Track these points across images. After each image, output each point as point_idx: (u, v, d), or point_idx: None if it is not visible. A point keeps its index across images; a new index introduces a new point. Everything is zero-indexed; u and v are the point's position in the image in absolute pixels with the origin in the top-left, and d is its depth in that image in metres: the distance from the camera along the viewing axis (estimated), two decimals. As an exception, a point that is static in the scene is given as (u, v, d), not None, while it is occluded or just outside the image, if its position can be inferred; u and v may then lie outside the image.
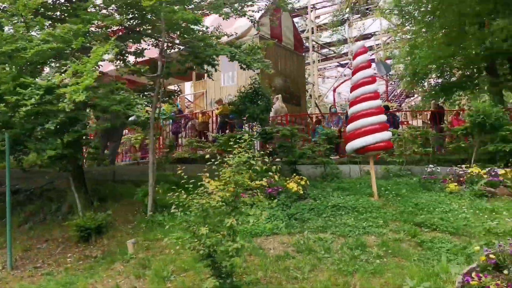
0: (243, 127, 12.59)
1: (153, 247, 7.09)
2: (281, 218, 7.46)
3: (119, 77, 9.81)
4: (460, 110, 22.54)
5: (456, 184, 8.46)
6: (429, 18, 20.03)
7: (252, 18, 10.42)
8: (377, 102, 8.29)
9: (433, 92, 23.54)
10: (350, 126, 8.38)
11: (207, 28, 9.60)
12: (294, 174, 9.45)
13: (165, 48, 8.69)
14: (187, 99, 24.26)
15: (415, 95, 32.30)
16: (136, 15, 9.35)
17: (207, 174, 5.12)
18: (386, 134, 8.12)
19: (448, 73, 24.52)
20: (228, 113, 15.42)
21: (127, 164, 14.92)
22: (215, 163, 5.08)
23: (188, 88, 25.22)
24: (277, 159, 10.61)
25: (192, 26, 8.69)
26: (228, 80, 16.88)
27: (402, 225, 6.83)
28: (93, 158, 9.85)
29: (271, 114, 12.11)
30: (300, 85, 19.46)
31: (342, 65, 36.46)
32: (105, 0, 8.62)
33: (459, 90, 24.60)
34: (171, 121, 16.34)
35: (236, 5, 10.25)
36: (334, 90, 29.41)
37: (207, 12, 9.87)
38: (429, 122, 18.40)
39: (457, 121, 17.03)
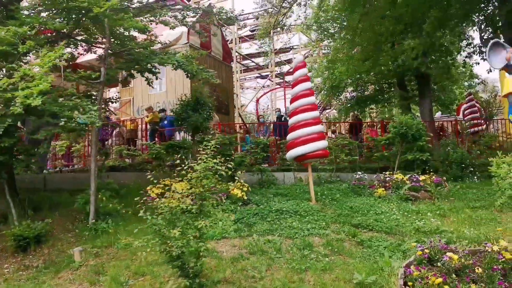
0: (179, 134, 12.75)
1: (102, 254, 7.04)
2: (228, 223, 7.74)
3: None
4: (374, 122, 24.30)
5: (383, 189, 9.28)
6: (347, 36, 21.49)
7: (187, 26, 10.65)
8: (315, 113, 8.91)
9: (349, 105, 25.16)
10: (290, 136, 8.90)
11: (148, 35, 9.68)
12: (235, 181, 9.78)
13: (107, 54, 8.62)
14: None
15: (331, 108, 34.10)
16: (73, 19, 9.19)
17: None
18: (323, 143, 8.74)
19: (362, 87, 26.38)
20: (158, 121, 15.44)
21: (50, 172, 14.35)
22: (185, 168, 5.26)
23: (113, 94, 24.67)
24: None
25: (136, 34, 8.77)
26: (156, 88, 16.84)
27: (341, 226, 7.42)
28: (26, 165, 9.44)
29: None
30: (228, 94, 19.91)
31: (263, 77, 37.45)
32: (46, 3, 8.42)
33: (372, 103, 26.52)
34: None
35: (172, 13, 10.46)
36: (257, 101, 30.26)
37: (144, 19, 9.95)
38: (345, 133, 19.59)
39: (372, 132, 18.43)
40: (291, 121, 8.95)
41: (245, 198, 8.69)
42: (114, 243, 7.29)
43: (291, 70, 37.40)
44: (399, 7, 16.51)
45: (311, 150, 8.56)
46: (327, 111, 35.39)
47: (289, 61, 37.97)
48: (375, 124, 22.47)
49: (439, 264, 5.01)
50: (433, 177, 9.55)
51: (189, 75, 9.24)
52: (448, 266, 4.71)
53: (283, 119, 18.81)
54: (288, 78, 38.27)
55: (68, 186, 10.78)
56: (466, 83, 27.61)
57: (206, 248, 4.88)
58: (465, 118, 18.98)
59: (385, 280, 5.33)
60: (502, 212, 7.85)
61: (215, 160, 5.10)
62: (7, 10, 8.71)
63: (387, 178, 9.71)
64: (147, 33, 8.82)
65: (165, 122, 14.94)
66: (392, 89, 25.24)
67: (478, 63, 21.47)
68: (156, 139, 14.41)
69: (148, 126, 15.65)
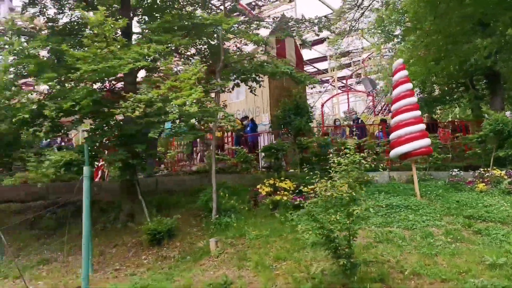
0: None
1: (236, 244, 7.85)
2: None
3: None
4: (447, 122, 24.11)
5: (484, 184, 9.59)
6: (416, 38, 21.60)
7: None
8: (417, 113, 9.39)
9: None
10: (394, 134, 9.42)
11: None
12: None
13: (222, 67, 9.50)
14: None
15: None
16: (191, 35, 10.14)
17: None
18: (426, 141, 9.20)
19: (430, 88, 26.33)
20: (241, 128, 16.31)
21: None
22: (332, 169, 5.94)
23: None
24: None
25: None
26: (237, 97, 17.73)
27: (455, 218, 7.86)
28: (143, 168, 10.53)
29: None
30: (302, 99, 20.61)
31: (323, 81, 37.86)
32: (171, 22, 9.39)
33: (439, 104, 26.37)
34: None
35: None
36: (322, 105, 30.74)
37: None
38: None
39: (444, 132, 18.59)
40: (393, 120, 9.49)
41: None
42: (245, 235, 8.08)
43: (351, 73, 37.73)
44: (471, 7, 16.70)
45: (416, 147, 9.05)
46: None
47: (348, 65, 38.17)
48: (446, 125, 22.37)
49: None
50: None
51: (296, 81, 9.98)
52: None
53: (359, 121, 19.29)
54: (350, 81, 38.61)
55: (176, 188, 11.75)
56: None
57: (357, 232, 5.54)
58: None
59: (513, 260, 5.80)
60: None
61: (362, 154, 5.75)
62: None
63: (486, 174, 9.99)
64: (261, 45, 9.63)
65: (248, 128, 15.77)
66: (460, 89, 25.10)
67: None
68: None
69: (234, 134, 16.53)
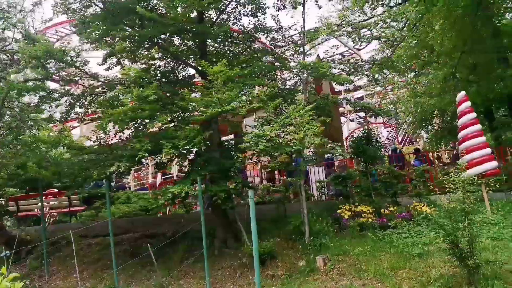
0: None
1: (344, 259, 8.82)
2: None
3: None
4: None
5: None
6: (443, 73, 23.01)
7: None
8: (484, 138, 10.53)
9: (439, 136, 26.53)
10: (467, 157, 10.50)
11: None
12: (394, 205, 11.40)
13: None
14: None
15: (417, 140, 35.16)
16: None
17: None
18: (495, 163, 10.30)
19: (448, 118, 27.69)
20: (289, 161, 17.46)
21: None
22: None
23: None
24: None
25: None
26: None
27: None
28: (242, 198, 11.77)
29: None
30: (339, 130, 21.85)
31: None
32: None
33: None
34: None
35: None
36: (348, 136, 31.98)
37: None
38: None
39: None
40: (463, 145, 10.61)
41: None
42: (348, 252, 9.07)
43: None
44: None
45: (488, 168, 10.13)
46: (413, 143, 36.33)
47: (360, 98, 39.44)
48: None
49: None
50: None
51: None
52: None
53: (398, 151, 20.43)
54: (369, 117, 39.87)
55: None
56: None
57: (478, 236, 6.57)
58: None
59: None
60: None
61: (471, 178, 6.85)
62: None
63: None
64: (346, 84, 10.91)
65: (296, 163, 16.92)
66: (480, 116, 26.37)
67: None
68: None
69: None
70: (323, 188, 15.24)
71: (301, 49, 11.89)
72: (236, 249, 11.05)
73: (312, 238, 10.11)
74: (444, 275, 7.05)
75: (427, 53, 22.64)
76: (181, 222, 12.95)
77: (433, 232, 7.84)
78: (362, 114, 39.02)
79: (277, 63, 11.84)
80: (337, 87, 36.37)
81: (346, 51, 33.68)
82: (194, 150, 10.85)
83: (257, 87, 11.67)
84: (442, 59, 22.27)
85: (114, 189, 17.01)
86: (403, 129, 34.35)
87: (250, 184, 12.87)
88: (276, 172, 18.34)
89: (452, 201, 6.77)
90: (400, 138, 34.76)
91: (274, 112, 9.23)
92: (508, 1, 20.30)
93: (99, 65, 12.60)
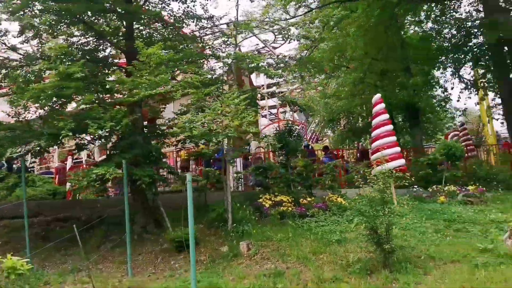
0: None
1: (267, 245, 9.18)
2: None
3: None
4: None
5: (444, 197, 11.86)
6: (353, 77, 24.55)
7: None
8: (394, 138, 11.51)
9: (344, 136, 28.32)
10: (375, 156, 11.41)
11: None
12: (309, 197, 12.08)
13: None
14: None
15: (323, 139, 37.04)
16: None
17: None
18: (402, 161, 11.31)
19: (353, 120, 29.66)
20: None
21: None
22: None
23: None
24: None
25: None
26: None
27: (436, 221, 9.87)
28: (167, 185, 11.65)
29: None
30: (257, 124, 22.40)
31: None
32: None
33: (365, 134, 29.64)
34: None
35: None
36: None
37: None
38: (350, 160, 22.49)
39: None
40: (375, 144, 11.51)
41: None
42: (271, 238, 9.44)
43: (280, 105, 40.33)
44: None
45: (396, 166, 11.10)
46: (320, 142, 38.06)
47: (273, 95, 40.45)
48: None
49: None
50: (479, 187, 12.27)
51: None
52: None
53: (309, 147, 21.38)
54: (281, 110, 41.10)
55: (172, 204, 12.72)
56: (449, 115, 31.29)
57: (394, 223, 7.26)
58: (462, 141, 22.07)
59: (498, 244, 7.84)
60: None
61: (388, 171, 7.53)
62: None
63: (444, 190, 12.29)
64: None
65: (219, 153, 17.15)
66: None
67: (470, 97, 25.12)
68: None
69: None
70: (240, 179, 15.64)
71: (231, 40, 12.03)
72: (157, 235, 10.99)
73: (235, 225, 10.37)
74: (361, 259, 7.68)
75: (338, 57, 23.96)
76: (95, 207, 12.55)
77: (356, 218, 8.49)
78: (274, 110, 40.25)
79: (207, 52, 11.91)
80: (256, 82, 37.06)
81: (262, 48, 34.46)
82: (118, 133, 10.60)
83: (183, 74, 11.67)
84: (353, 63, 23.75)
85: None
86: (312, 128, 35.95)
87: (174, 171, 12.80)
88: (191, 161, 18.43)
89: (373, 191, 7.38)
90: (308, 136, 36.27)
91: (204, 100, 9.29)
92: (410, 15, 22.26)
93: (15, 37, 11.77)
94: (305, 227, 10.00)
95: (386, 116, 11.65)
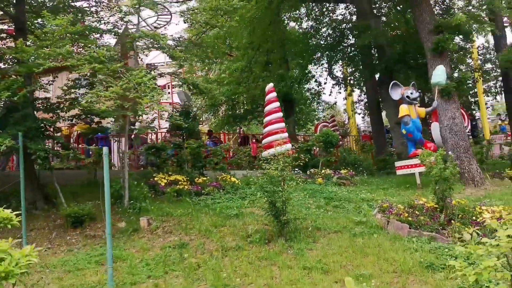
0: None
1: (168, 220, 9.59)
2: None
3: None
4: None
5: (321, 179, 13.33)
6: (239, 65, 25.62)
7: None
8: (283, 124, 12.60)
9: (225, 121, 29.55)
10: (266, 140, 12.40)
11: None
12: (201, 176, 12.74)
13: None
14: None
15: (203, 124, 37.74)
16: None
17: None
18: (289, 146, 12.45)
19: (237, 106, 31.04)
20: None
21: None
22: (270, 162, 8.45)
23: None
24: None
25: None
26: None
27: (317, 199, 11.19)
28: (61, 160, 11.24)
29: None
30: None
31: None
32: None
33: (243, 120, 31.16)
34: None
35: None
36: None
37: None
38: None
39: (254, 144, 22.84)
40: (266, 129, 12.50)
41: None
42: (170, 214, 9.86)
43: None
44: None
45: (283, 150, 12.15)
46: (200, 126, 38.44)
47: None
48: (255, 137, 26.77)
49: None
50: (349, 171, 14.00)
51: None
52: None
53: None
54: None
55: (67, 181, 12.38)
56: (320, 108, 34.14)
57: (290, 197, 8.21)
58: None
59: (370, 218, 9.28)
60: (401, 189, 12.54)
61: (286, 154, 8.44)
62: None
63: (319, 173, 13.80)
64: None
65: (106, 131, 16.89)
66: (259, 109, 30.48)
67: (340, 92, 27.74)
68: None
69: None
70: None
71: (128, 17, 11.95)
72: (47, 211, 10.72)
73: (132, 202, 10.55)
74: (259, 230, 8.52)
75: (223, 44, 24.75)
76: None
77: (259, 193, 9.29)
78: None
79: (105, 26, 11.76)
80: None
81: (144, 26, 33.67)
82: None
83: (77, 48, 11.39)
84: (239, 52, 24.74)
85: None
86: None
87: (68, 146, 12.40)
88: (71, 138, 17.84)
89: (273, 170, 8.25)
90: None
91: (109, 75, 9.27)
92: (292, 11, 23.91)
93: None
94: (202, 204, 10.60)
95: (277, 104, 12.70)
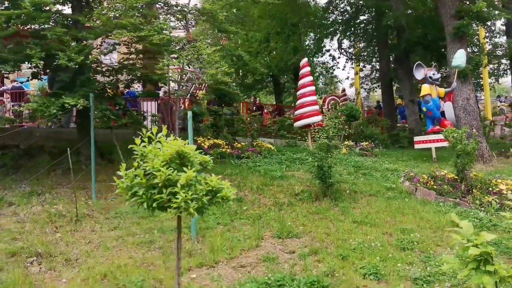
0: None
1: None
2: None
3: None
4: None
5: (345, 150, 14.51)
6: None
7: None
8: (314, 97, 13.68)
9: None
10: (299, 111, 13.49)
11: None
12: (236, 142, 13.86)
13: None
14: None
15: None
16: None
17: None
18: (319, 117, 13.57)
19: (248, 75, 32.03)
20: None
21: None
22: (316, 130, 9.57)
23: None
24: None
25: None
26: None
27: (346, 167, 12.36)
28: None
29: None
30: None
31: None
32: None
33: (253, 90, 32.21)
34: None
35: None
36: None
37: None
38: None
39: (267, 115, 23.98)
40: (299, 101, 13.56)
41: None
42: (220, 173, 10.99)
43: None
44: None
45: (314, 121, 13.32)
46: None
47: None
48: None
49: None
50: (370, 143, 15.20)
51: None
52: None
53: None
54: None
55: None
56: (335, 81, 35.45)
57: (336, 163, 9.40)
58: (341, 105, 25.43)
59: (398, 185, 10.51)
60: (418, 162, 13.79)
61: (336, 120, 9.57)
62: None
63: (343, 144, 14.97)
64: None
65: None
66: (267, 80, 31.56)
67: (353, 67, 28.79)
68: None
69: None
70: (157, 122, 16.76)
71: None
72: (103, 166, 11.79)
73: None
74: (304, 190, 9.72)
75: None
76: (34, 136, 12.70)
77: (310, 158, 10.48)
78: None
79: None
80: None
81: None
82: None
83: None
84: (260, 21, 25.50)
85: None
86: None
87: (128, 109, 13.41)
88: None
89: (322, 139, 9.40)
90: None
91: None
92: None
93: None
94: (245, 166, 11.73)
95: (310, 78, 13.73)
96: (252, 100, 28.47)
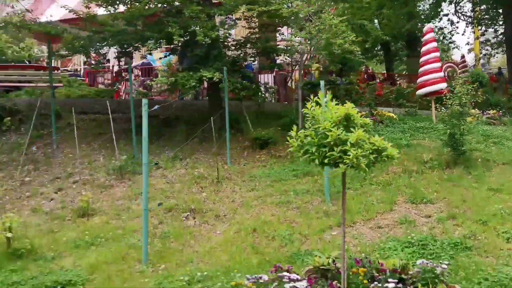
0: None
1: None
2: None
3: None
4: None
5: (471, 118, 13.94)
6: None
7: None
8: (438, 64, 13.28)
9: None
10: (422, 78, 13.21)
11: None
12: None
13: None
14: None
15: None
16: None
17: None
18: (444, 85, 13.16)
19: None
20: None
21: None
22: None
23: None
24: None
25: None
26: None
27: (475, 136, 11.85)
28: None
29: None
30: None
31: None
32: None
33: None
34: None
35: None
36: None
37: None
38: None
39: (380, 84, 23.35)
40: (422, 68, 13.27)
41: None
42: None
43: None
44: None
45: (439, 88, 12.95)
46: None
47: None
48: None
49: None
50: (498, 112, 14.44)
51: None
52: None
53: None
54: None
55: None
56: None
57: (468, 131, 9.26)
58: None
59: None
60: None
61: (469, 86, 9.33)
62: None
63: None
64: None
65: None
66: (378, 47, 30.63)
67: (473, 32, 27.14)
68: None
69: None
70: (274, 93, 17.47)
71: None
72: (233, 135, 12.64)
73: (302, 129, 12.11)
74: (433, 158, 9.67)
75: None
76: (170, 107, 13.91)
77: (441, 125, 10.42)
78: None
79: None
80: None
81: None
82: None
83: None
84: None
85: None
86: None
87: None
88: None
89: (453, 106, 9.25)
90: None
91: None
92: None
93: None
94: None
95: (434, 44, 13.32)
96: (363, 69, 27.99)
